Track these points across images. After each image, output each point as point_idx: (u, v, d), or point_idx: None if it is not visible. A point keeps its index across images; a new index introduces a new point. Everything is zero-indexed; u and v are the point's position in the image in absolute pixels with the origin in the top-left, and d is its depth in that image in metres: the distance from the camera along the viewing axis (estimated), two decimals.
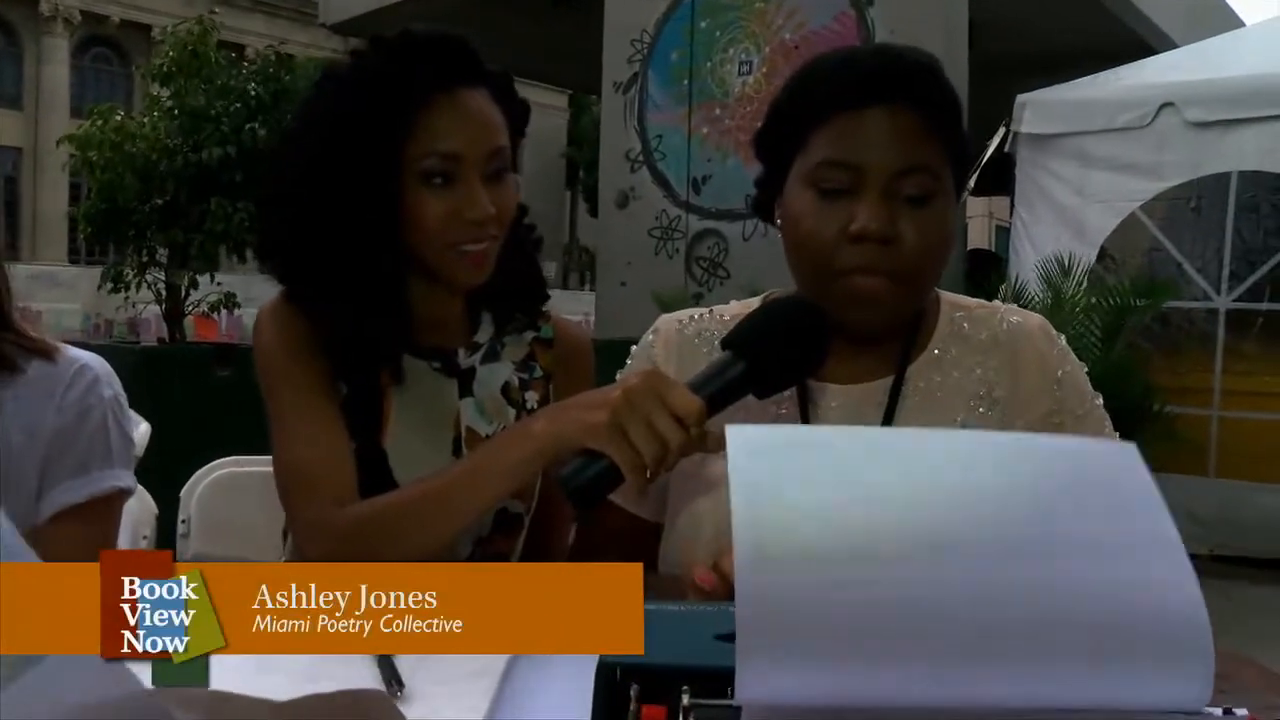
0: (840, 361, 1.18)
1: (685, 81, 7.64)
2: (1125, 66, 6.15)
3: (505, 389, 1.41)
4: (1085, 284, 5.12)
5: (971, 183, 6.07)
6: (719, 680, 0.62)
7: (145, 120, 7.50)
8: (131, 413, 2.90)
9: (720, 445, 0.97)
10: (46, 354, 1.44)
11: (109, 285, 7.64)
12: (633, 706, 0.63)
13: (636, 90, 7.91)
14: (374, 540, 1.16)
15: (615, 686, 0.65)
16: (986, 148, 6.23)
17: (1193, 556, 0.61)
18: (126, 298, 7.80)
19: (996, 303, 1.27)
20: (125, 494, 1.48)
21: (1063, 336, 1.26)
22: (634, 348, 1.34)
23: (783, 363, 1.07)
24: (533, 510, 1.42)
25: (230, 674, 0.88)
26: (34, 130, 32.81)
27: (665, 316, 1.33)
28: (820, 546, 0.60)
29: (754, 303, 1.28)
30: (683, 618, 0.72)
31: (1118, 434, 1.18)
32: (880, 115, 1.11)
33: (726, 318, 1.29)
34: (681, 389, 1.02)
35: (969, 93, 6.61)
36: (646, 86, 7.86)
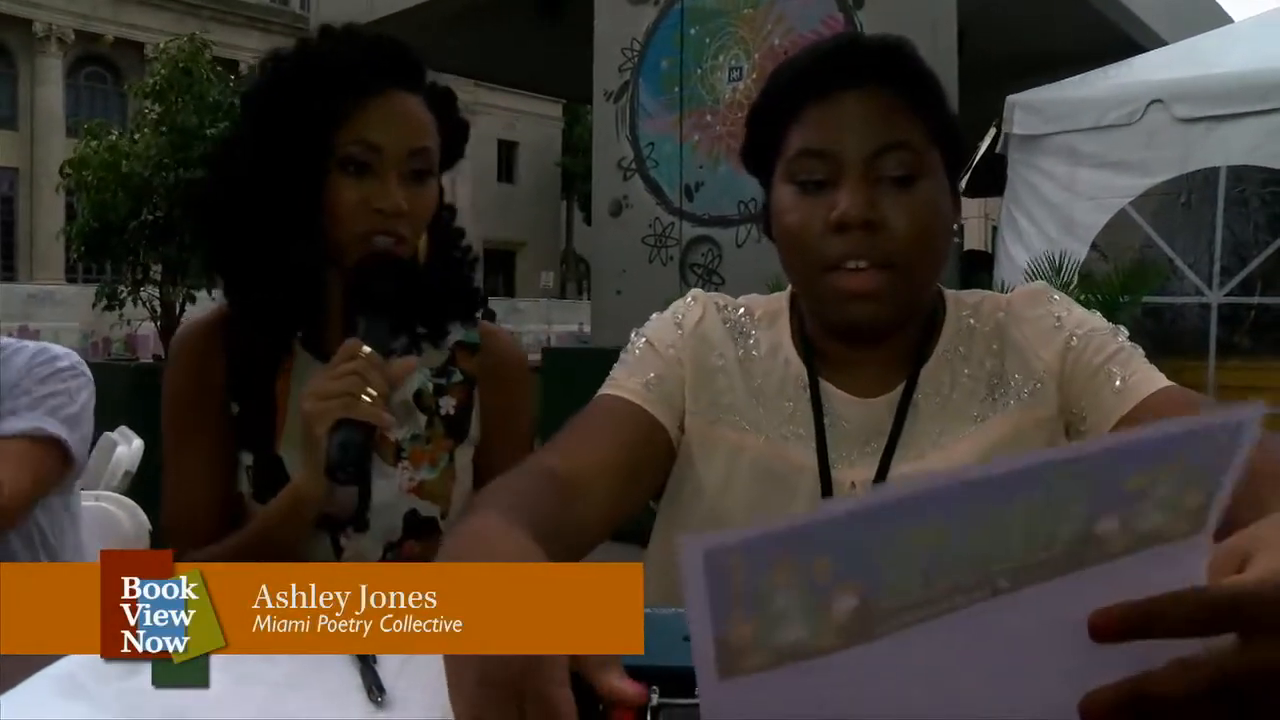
0: (852, 370, 1.17)
1: (676, 89, 7.65)
2: (1113, 65, 6.17)
3: (418, 395, 1.43)
4: (1076, 281, 5.13)
5: (962, 184, 6.08)
6: (687, 680, 0.63)
7: (137, 137, 7.53)
8: (124, 429, 2.94)
9: (406, 370, 1.27)
10: None
11: (104, 303, 7.67)
12: (602, 706, 0.64)
13: (628, 99, 7.92)
14: None
15: (585, 687, 0.65)
16: (979, 149, 6.25)
17: None
18: (121, 315, 7.82)
19: (1003, 295, 1.24)
20: (55, 441, 1.58)
21: (1049, 287, 1.23)
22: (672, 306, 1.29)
23: (383, 312, 1.27)
24: (450, 514, 1.42)
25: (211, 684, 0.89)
26: (30, 150, 32.87)
27: (706, 294, 1.28)
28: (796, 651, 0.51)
29: (780, 298, 1.26)
30: (651, 620, 0.73)
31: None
32: (851, 99, 1.08)
33: (757, 314, 1.25)
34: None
35: (959, 95, 6.63)
36: (638, 95, 7.87)
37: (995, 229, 6.65)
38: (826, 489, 1.13)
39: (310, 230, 1.32)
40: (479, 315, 1.51)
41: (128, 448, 2.71)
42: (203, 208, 1.46)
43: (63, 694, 0.86)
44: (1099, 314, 1.19)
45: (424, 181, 1.36)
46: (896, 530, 0.49)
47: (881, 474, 1.12)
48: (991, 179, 6.38)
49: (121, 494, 2.18)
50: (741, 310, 1.26)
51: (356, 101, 1.30)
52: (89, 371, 1.66)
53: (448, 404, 1.44)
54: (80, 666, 0.90)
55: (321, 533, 1.37)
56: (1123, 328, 1.18)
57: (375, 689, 0.87)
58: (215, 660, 0.94)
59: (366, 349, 1.19)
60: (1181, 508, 0.54)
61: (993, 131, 6.22)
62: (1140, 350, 1.15)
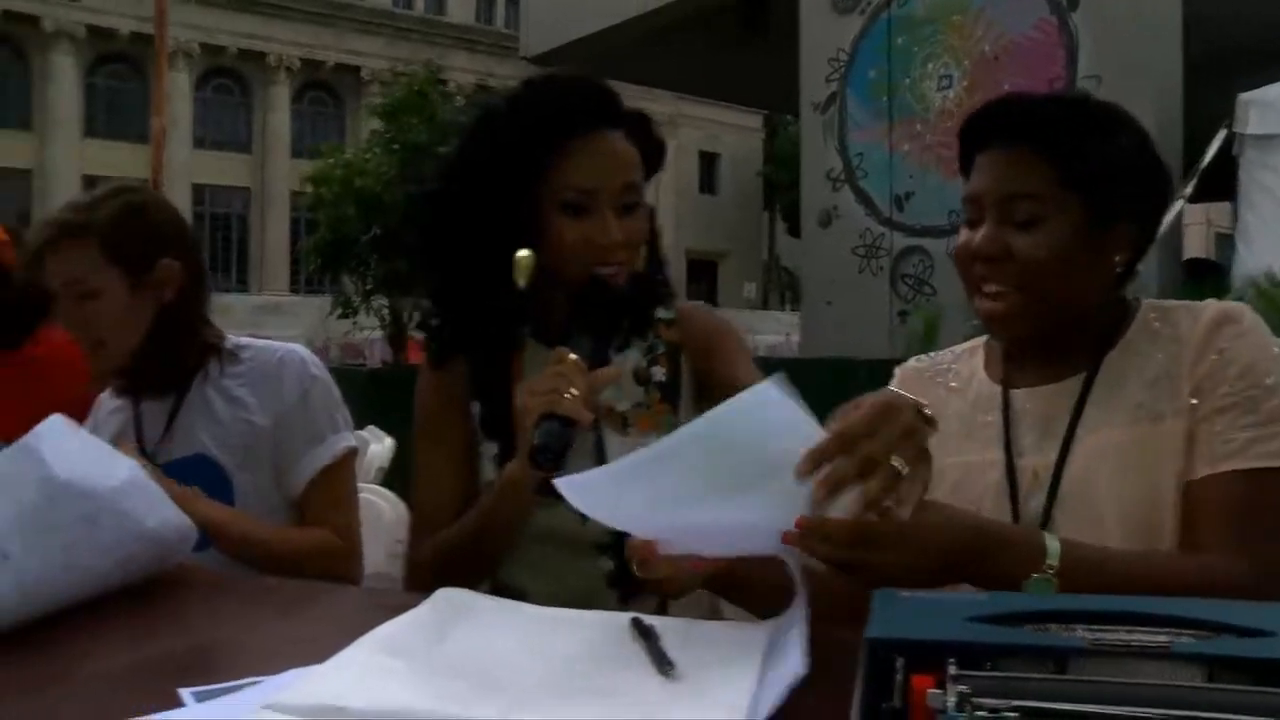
0: (1028, 369, 1.36)
1: (884, 99, 7.60)
2: None
3: (635, 372, 1.60)
4: None
5: (1189, 189, 5.82)
6: (971, 653, 0.69)
7: (369, 156, 7.96)
8: (374, 428, 3.15)
9: (609, 378, 1.39)
10: (241, 348, 1.83)
11: (338, 311, 8.13)
12: (899, 677, 0.70)
13: (835, 110, 7.91)
14: (442, 574, 1.39)
15: (881, 661, 0.71)
16: (1205, 152, 5.95)
17: None
18: (355, 323, 8.25)
19: (1208, 301, 1.32)
20: (354, 452, 1.81)
21: (1248, 319, 1.29)
22: None
23: (593, 331, 1.42)
24: None
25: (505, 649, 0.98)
26: (260, 171, 35.10)
27: (904, 365, 1.53)
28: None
29: (978, 344, 1.47)
30: (940, 603, 0.79)
31: None
32: (993, 155, 1.31)
33: (958, 351, 1.49)
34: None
35: (1184, 94, 6.35)
36: (845, 106, 7.86)
37: (1219, 235, 6.32)
38: (1011, 479, 1.30)
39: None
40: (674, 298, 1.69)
41: (380, 445, 2.90)
42: (429, 245, 1.64)
43: (387, 651, 0.97)
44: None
45: (635, 212, 1.51)
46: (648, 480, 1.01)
47: (1063, 457, 1.27)
48: (1216, 183, 6.07)
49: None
50: (941, 354, 1.52)
51: (565, 146, 1.46)
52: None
53: (659, 372, 1.60)
54: (401, 629, 1.02)
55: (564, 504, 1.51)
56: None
57: (664, 662, 0.94)
58: (512, 628, 1.04)
59: (572, 356, 1.34)
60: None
61: (1221, 133, 5.91)
62: None
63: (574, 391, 1.30)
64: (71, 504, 1.16)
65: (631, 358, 1.60)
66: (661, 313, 1.65)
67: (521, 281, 1.48)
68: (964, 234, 1.33)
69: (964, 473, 1.34)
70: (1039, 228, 1.26)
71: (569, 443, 1.28)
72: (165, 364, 1.78)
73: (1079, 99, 1.37)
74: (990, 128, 1.33)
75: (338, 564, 1.69)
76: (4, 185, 30.32)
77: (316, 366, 1.81)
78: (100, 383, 1.89)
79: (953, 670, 0.68)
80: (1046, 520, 1.25)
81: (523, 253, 1.46)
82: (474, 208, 1.50)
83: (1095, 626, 0.74)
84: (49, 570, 1.13)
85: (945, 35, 7.37)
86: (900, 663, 0.71)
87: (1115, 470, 1.23)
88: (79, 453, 1.23)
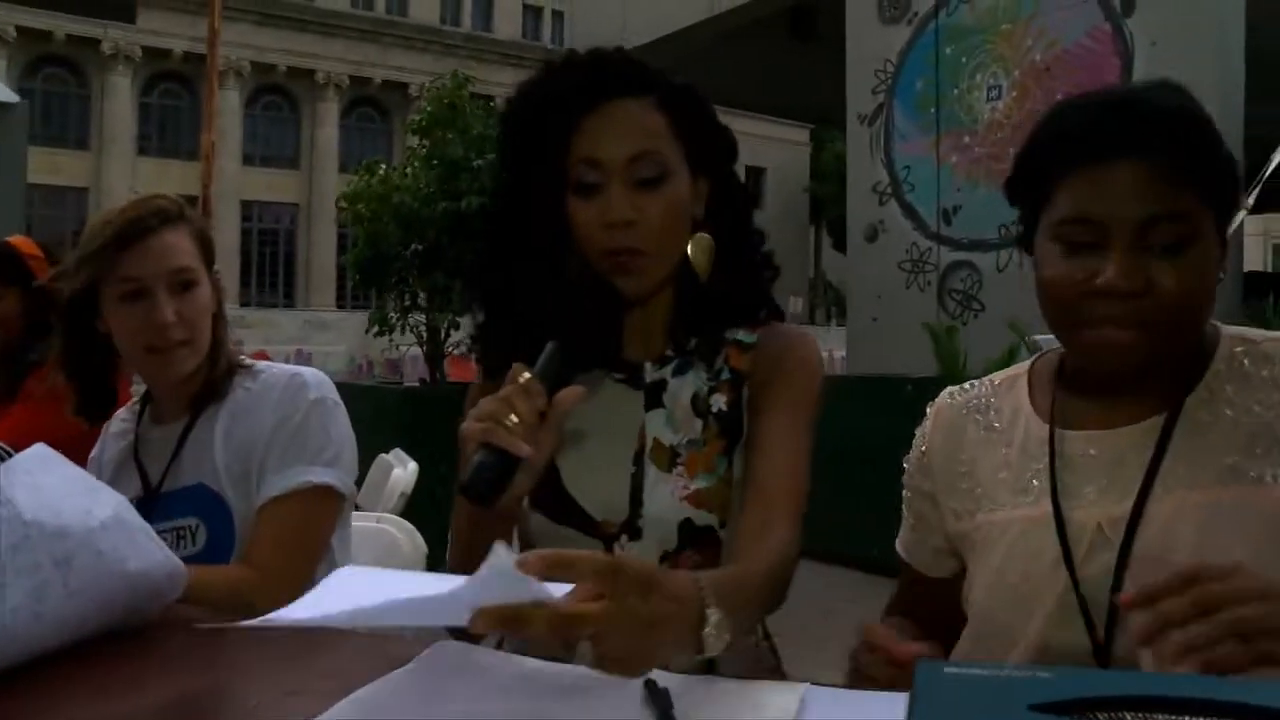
0: (1088, 407, 1.18)
1: (932, 110, 7.49)
2: None
3: (694, 399, 1.40)
4: None
5: (1251, 199, 5.63)
6: None
7: (407, 171, 7.96)
8: (399, 451, 3.06)
9: (569, 401, 1.14)
10: (255, 373, 1.73)
11: (375, 328, 8.12)
12: None
13: (882, 121, 7.81)
14: None
15: None
16: (1271, 160, 5.76)
17: None
18: (391, 340, 8.22)
19: None
20: (323, 489, 1.64)
21: None
22: None
23: (581, 341, 1.25)
24: (729, 523, 1.36)
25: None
26: (308, 187, 35.57)
27: (940, 397, 1.36)
28: None
29: (1019, 374, 1.30)
30: (996, 684, 0.67)
31: None
32: (1122, 168, 1.08)
33: (997, 382, 1.31)
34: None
35: (1246, 104, 6.16)
36: (892, 117, 7.75)
37: (1276, 247, 6.12)
38: (1062, 537, 1.13)
39: (557, 260, 1.34)
40: (762, 318, 1.46)
41: (403, 470, 2.81)
42: (477, 262, 1.55)
43: (375, 714, 0.89)
44: None
45: (656, 187, 1.32)
46: None
47: (1138, 509, 1.10)
48: (1275, 192, 5.87)
49: (398, 515, 2.26)
50: (980, 385, 1.34)
51: (574, 123, 1.31)
52: (335, 393, 1.74)
53: (719, 401, 1.39)
54: (392, 687, 0.95)
55: (595, 542, 1.34)
56: None
57: (668, 715, 0.85)
58: (511, 689, 0.96)
59: (526, 374, 1.15)
60: None
61: None
62: None
63: (513, 419, 1.10)
64: (42, 546, 1.07)
65: (690, 383, 1.40)
66: (741, 334, 1.43)
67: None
68: (1062, 265, 1.11)
69: (1022, 528, 1.18)
70: (1184, 253, 1.06)
71: (502, 477, 1.11)
72: (209, 376, 1.72)
73: (1184, 101, 1.13)
74: (1105, 133, 1.09)
75: (245, 600, 1.50)
76: (63, 203, 30.97)
77: (318, 391, 1.69)
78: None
79: None
80: (1117, 583, 1.07)
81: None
82: (507, 208, 1.38)
83: (1179, 718, 0.63)
84: (17, 618, 1.04)
85: (995, 45, 7.24)
86: None
87: (1202, 535, 1.06)
88: (58, 488, 1.14)
